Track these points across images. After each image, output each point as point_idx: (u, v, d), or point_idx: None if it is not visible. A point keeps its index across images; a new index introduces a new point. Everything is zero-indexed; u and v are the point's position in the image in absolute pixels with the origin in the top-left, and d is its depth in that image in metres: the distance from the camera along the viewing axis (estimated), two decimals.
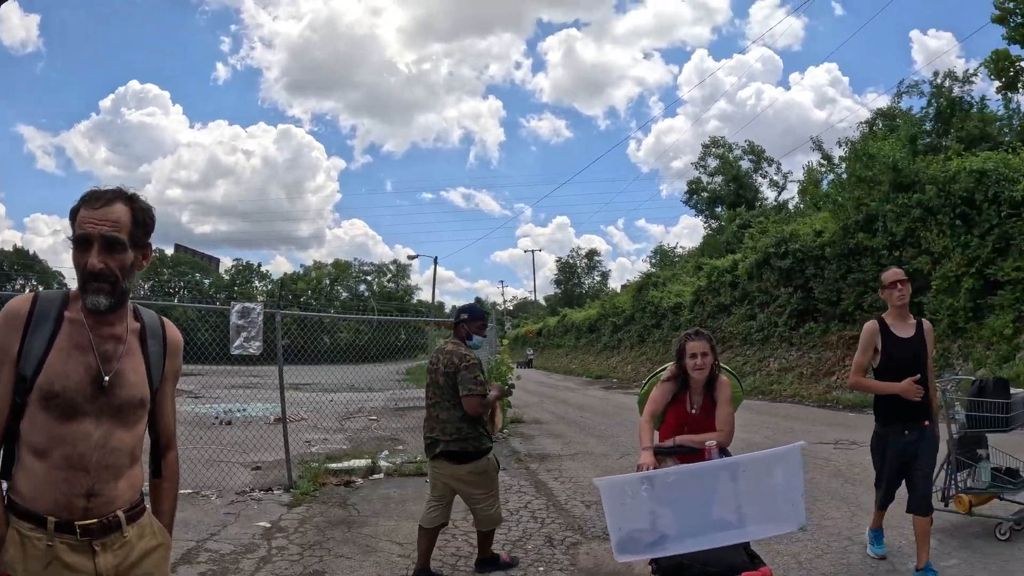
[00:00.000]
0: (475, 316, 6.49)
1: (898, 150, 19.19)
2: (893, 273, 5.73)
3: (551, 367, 49.97)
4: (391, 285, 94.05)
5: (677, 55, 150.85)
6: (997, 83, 31.37)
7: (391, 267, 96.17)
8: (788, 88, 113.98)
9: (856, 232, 19.52)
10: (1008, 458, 6.89)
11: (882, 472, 5.71)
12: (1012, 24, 30.17)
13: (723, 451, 4.74)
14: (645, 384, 5.59)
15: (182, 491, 8.33)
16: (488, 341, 17.75)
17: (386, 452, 11.60)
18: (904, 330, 5.59)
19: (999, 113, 31.92)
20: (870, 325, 5.68)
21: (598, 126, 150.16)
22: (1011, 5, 29.92)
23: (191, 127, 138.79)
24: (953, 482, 6.52)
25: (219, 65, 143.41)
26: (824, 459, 10.73)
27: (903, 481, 5.57)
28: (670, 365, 5.21)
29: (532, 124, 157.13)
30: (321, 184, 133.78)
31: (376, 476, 10.05)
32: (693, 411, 5.06)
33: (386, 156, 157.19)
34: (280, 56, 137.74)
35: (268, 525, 7.35)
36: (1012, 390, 6.63)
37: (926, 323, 5.72)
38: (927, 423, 5.50)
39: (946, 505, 6.55)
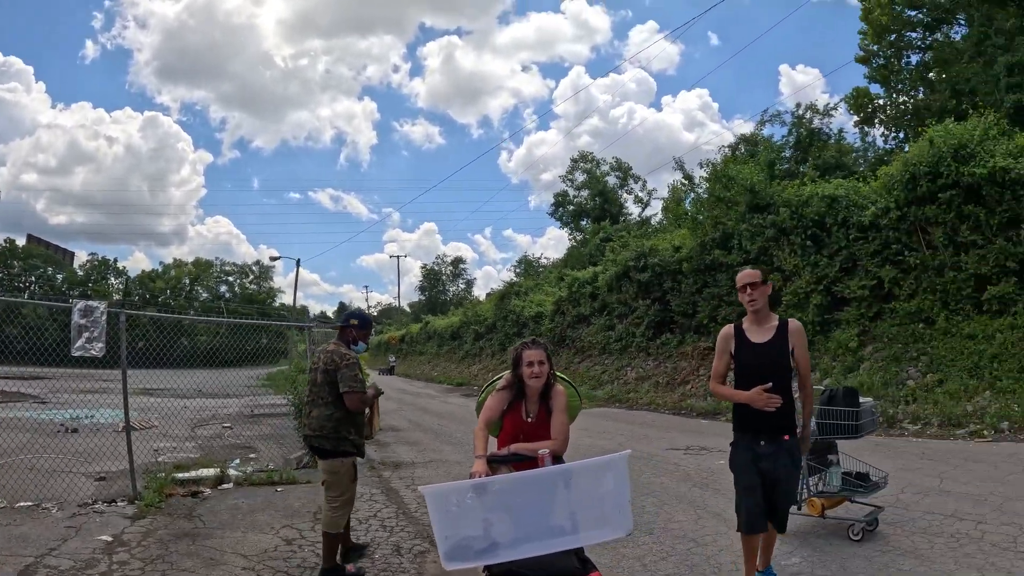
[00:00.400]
0: (364, 324, 6.73)
1: (756, 174, 20.22)
2: (744, 275, 5.32)
3: (413, 374, 49.74)
4: (253, 287, 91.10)
5: (555, 70, 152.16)
6: (855, 118, 33.86)
7: (254, 268, 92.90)
8: (660, 109, 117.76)
9: (713, 249, 20.44)
10: (857, 462, 7.32)
11: (738, 487, 5.26)
12: (874, 65, 32.60)
13: (557, 459, 4.84)
14: (483, 392, 5.60)
15: (22, 504, 8.17)
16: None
17: (237, 461, 11.38)
18: (760, 335, 5.20)
19: (855, 145, 34.46)
20: (724, 330, 5.38)
21: (471, 134, 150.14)
22: (875, 48, 32.20)
23: (53, 107, 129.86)
24: (805, 486, 6.83)
25: (88, 43, 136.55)
26: (675, 464, 11.17)
27: (763, 502, 5.15)
28: (507, 373, 5.28)
29: (405, 128, 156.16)
30: (186, 177, 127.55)
31: (225, 486, 9.76)
32: (529, 420, 5.15)
33: (255, 152, 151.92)
34: (153, 38, 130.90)
35: (110, 539, 7.03)
36: (860, 399, 6.96)
37: (792, 324, 5.22)
38: (787, 436, 5.12)
39: (799, 509, 6.80)
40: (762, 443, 5.13)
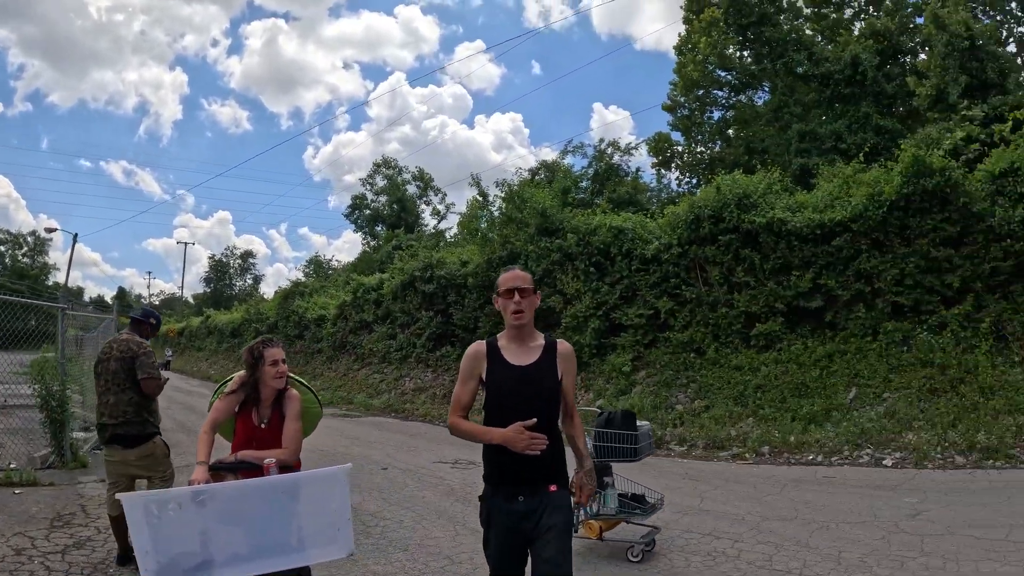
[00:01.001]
0: (158, 324, 6.93)
1: (549, 199, 20.38)
2: (511, 277, 4.02)
3: (189, 370, 47.11)
4: (26, 260, 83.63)
5: (376, 72, 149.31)
6: (654, 160, 35.60)
7: (28, 239, 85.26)
8: (472, 127, 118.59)
9: (499, 266, 20.27)
10: (633, 484, 7.25)
11: (490, 560, 3.90)
12: (679, 115, 34.41)
13: (286, 470, 4.48)
14: (216, 392, 5.12)
15: None
16: (105, 335, 16.23)
17: None
18: (522, 356, 3.93)
19: (650, 185, 35.78)
20: (473, 348, 4.04)
21: (280, 124, 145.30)
22: (682, 99, 33.93)
23: None
24: (584, 509, 6.55)
25: None
26: (440, 478, 10.86)
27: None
28: (240, 373, 4.84)
29: (213, 108, 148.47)
30: None
31: None
32: (262, 425, 4.76)
33: (49, 108, 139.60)
34: None
35: None
36: (638, 422, 6.88)
37: (563, 346, 4.02)
38: (554, 487, 3.84)
39: (576, 532, 6.70)
40: (520, 498, 3.77)
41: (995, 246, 12.84)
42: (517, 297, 3.92)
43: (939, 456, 10.68)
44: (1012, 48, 29.22)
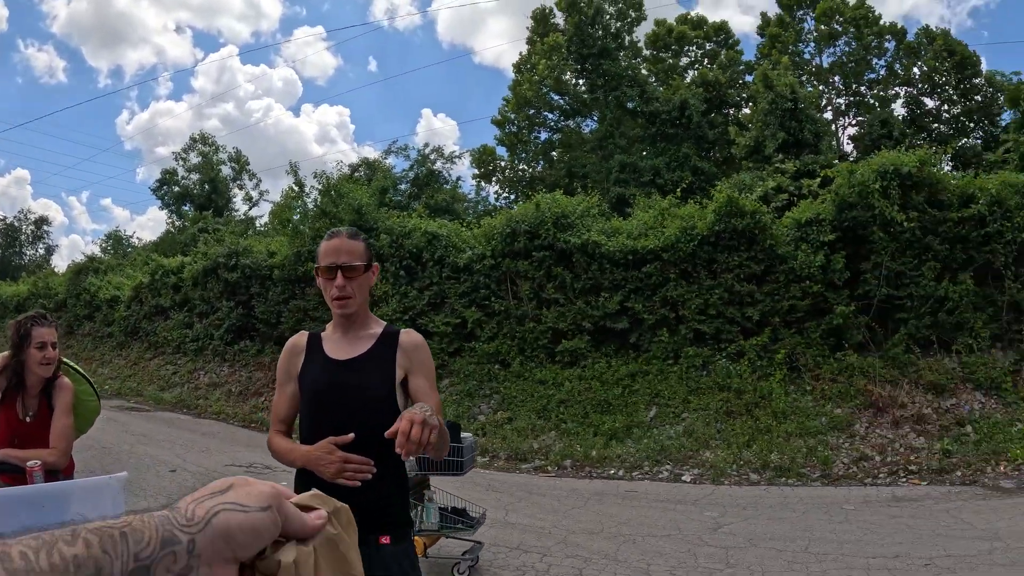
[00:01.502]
0: None
1: (366, 196, 19.84)
2: (335, 246, 2.97)
3: None
4: None
5: (208, 42, 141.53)
6: (476, 171, 35.86)
7: None
8: (298, 115, 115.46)
9: (307, 261, 19.61)
10: (453, 497, 7.05)
11: None
12: (507, 131, 34.85)
13: (53, 476, 3.82)
14: None
15: None
16: None
17: None
18: (347, 348, 3.02)
19: (469, 195, 35.87)
20: (293, 341, 3.23)
21: (98, 81, 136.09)
22: (512, 116, 34.43)
23: None
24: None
25: None
26: None
27: None
28: (3, 354, 4.11)
29: (30, 52, 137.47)
30: None
31: None
32: (27, 419, 4.02)
33: None
34: None
35: None
36: (462, 434, 6.58)
37: (407, 335, 3.11)
38: (386, 539, 2.84)
39: None
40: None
41: (795, 286, 13.57)
42: (341, 277, 2.86)
43: (735, 473, 11.18)
44: (828, 115, 31.40)
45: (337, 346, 2.99)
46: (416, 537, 6.23)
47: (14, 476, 3.78)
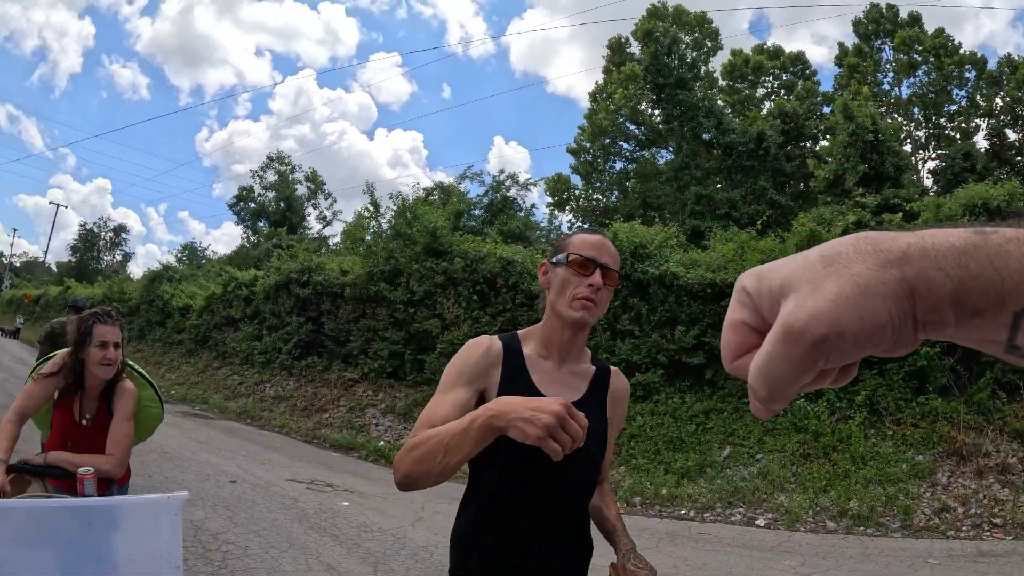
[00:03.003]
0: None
1: (441, 219, 19.78)
2: (596, 242, 2.38)
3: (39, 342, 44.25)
4: None
5: (286, 65, 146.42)
6: (550, 199, 35.65)
7: None
8: (372, 139, 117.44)
9: (380, 281, 19.64)
10: None
11: None
12: (581, 159, 34.77)
13: (106, 485, 3.57)
14: (32, 370, 4.10)
15: None
16: None
17: None
18: (558, 384, 2.40)
19: (542, 224, 35.58)
20: (482, 343, 2.49)
21: (179, 99, 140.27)
22: (587, 145, 34.35)
23: None
24: None
25: None
26: (293, 499, 10.00)
27: None
28: (62, 353, 3.85)
29: (114, 68, 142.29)
30: None
31: None
32: (83, 422, 3.76)
33: None
34: None
35: None
36: None
37: (616, 378, 2.61)
38: None
39: None
40: None
41: None
42: (597, 277, 2.29)
43: (811, 519, 10.72)
44: (908, 148, 30.59)
45: (548, 379, 2.35)
46: None
47: (64, 482, 3.56)
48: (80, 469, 3.45)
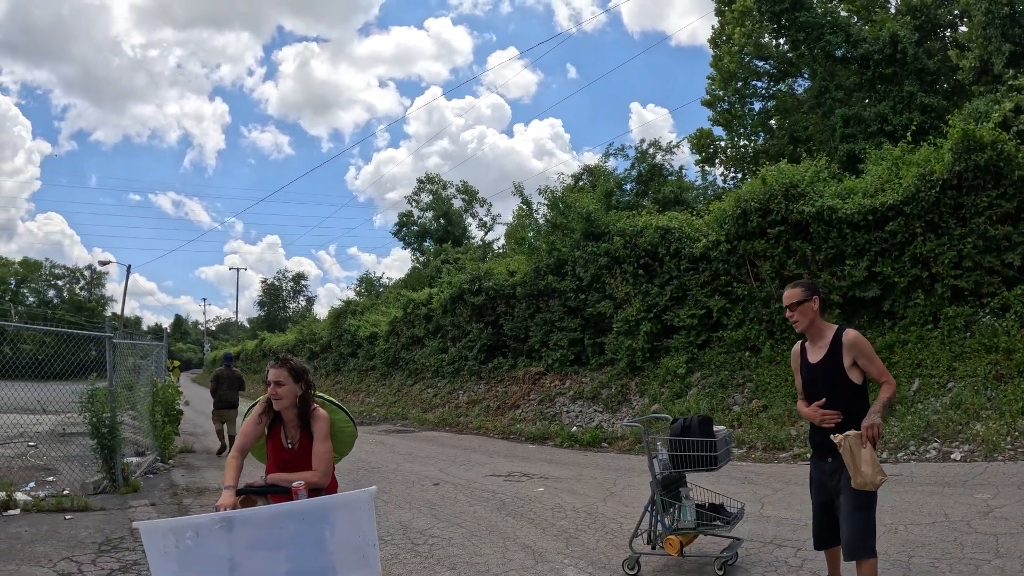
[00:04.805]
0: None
1: (593, 203, 20.16)
2: (784, 296, 5.09)
3: (248, 392, 47.56)
4: (84, 293, 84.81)
5: (411, 88, 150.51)
6: (697, 157, 35.06)
7: (85, 273, 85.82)
8: (512, 136, 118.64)
9: (547, 275, 20.24)
10: (712, 493, 6.98)
11: (813, 503, 5.15)
12: (719, 109, 33.99)
13: (315, 493, 4.34)
14: (245, 414, 4.96)
15: None
16: (157, 362, 16.39)
17: (32, 484, 10.21)
18: (815, 353, 4.96)
19: (695, 183, 35.19)
20: (794, 349, 5.24)
21: (320, 147, 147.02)
22: (720, 93, 33.54)
23: None
24: (662, 524, 6.36)
25: None
26: (492, 492, 10.72)
27: (828, 520, 5.00)
28: (263, 397, 4.74)
29: (254, 135, 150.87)
30: (20, 167, 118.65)
31: (11, 512, 8.74)
32: (289, 446, 4.61)
33: (94, 145, 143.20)
34: None
35: None
36: (715, 427, 6.54)
37: (848, 337, 4.86)
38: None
39: (654, 548, 6.47)
40: (829, 460, 4.81)
41: None
42: (788, 312, 5.06)
43: (1010, 447, 10.20)
44: None
45: (812, 354, 5.00)
46: (671, 536, 6.26)
47: (280, 497, 4.33)
48: (293, 483, 4.27)
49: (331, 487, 4.65)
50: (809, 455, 5.19)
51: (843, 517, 4.68)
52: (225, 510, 3.93)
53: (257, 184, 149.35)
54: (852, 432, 4.53)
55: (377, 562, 3.97)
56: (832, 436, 4.62)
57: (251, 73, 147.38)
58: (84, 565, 6.72)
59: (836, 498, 4.79)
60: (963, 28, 28.00)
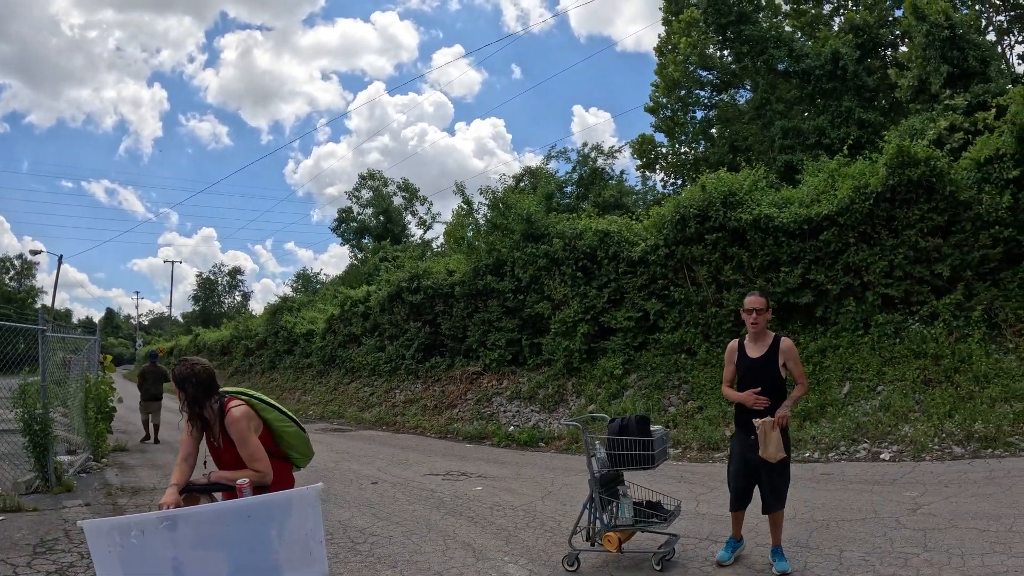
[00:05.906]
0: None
1: (534, 204, 20.22)
2: (752, 301, 6.17)
3: (172, 387, 46.72)
4: (13, 284, 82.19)
5: (354, 82, 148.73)
6: (639, 162, 35.47)
7: (15, 262, 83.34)
8: (453, 134, 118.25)
9: (486, 275, 20.21)
10: (648, 491, 7.03)
11: (729, 471, 6.45)
12: (661, 116, 34.33)
13: (262, 491, 4.27)
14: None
15: None
16: (89, 357, 15.99)
17: None
18: (756, 351, 6.16)
19: (635, 187, 35.55)
20: (730, 345, 6.41)
21: (260, 139, 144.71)
22: (664, 100, 33.89)
23: None
24: (600, 521, 6.42)
25: None
26: (430, 491, 10.66)
27: (748, 485, 6.25)
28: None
29: (192, 124, 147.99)
30: None
31: None
32: (216, 445, 4.58)
33: (27, 128, 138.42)
34: None
35: None
36: (652, 427, 6.58)
37: (784, 343, 6.15)
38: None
39: (593, 545, 6.49)
40: (752, 437, 6.02)
41: (983, 233, 12.75)
42: (755, 316, 6.13)
43: (937, 448, 10.52)
44: (992, 36, 29.17)
45: (752, 351, 6.19)
46: (609, 533, 6.33)
47: (227, 494, 4.33)
48: (238, 480, 4.19)
49: (287, 484, 4.59)
50: (731, 433, 6.40)
51: (765, 479, 6.06)
52: (169, 508, 3.87)
53: (194, 175, 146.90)
54: (768, 418, 5.92)
55: (324, 559, 3.94)
56: (753, 420, 5.96)
57: (192, 59, 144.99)
58: (20, 568, 6.54)
59: (755, 467, 6.04)
60: (903, 48, 28.58)
